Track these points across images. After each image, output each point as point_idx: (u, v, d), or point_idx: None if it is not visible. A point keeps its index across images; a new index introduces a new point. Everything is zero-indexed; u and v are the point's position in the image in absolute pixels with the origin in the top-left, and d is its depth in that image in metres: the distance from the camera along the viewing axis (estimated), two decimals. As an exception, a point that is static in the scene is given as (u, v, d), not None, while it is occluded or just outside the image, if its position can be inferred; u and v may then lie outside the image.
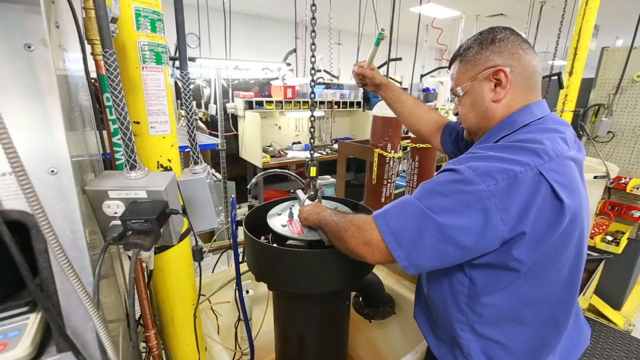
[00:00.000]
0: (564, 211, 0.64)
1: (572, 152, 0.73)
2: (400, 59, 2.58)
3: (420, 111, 1.24)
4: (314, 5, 1.10)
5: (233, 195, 1.39)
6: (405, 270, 0.71)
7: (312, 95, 1.25)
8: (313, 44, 1.14)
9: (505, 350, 0.75)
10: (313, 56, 1.16)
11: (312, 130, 1.28)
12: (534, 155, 0.65)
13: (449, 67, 0.88)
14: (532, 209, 0.63)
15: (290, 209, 1.25)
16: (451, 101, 0.88)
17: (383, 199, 1.97)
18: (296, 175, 1.56)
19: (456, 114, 0.89)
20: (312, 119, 1.25)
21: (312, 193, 1.27)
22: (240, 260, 1.25)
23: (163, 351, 1.06)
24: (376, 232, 0.72)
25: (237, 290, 1.28)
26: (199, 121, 3.81)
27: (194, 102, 3.94)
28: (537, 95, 0.79)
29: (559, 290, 0.74)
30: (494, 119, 0.79)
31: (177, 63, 0.99)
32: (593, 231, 2.56)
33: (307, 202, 1.23)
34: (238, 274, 1.25)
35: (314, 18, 1.11)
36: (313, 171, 1.26)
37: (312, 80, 1.21)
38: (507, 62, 0.76)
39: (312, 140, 1.32)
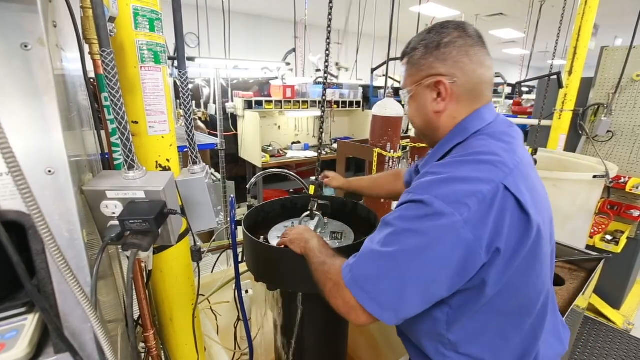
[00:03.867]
0: (531, 224, 0.63)
1: (525, 154, 0.73)
2: (399, 58, 2.58)
3: (380, 181, 1.36)
4: (330, 14, 1.09)
5: (232, 195, 1.39)
6: (394, 325, 0.68)
7: (322, 123, 1.23)
8: (327, 50, 1.13)
9: None
10: (327, 61, 1.15)
11: (319, 153, 1.30)
12: (494, 168, 0.64)
13: (400, 60, 0.85)
14: (504, 227, 0.61)
15: (292, 223, 1.26)
16: (400, 102, 0.87)
17: (382, 199, 1.97)
18: (295, 175, 1.56)
19: (406, 114, 0.88)
20: (320, 141, 1.25)
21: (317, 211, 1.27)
22: (240, 260, 1.25)
23: (162, 351, 1.06)
24: (354, 297, 0.66)
25: (236, 290, 1.28)
26: (198, 121, 3.81)
27: (193, 102, 3.94)
28: (484, 100, 0.77)
29: (534, 300, 0.73)
30: (439, 128, 0.78)
31: (176, 62, 0.99)
32: (592, 230, 2.56)
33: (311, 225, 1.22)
34: (237, 274, 1.25)
35: (329, 26, 1.10)
36: (311, 189, 1.26)
37: (324, 90, 1.17)
38: (449, 71, 0.72)
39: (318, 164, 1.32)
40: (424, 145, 1.99)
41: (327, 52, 1.15)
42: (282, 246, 0.99)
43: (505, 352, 0.74)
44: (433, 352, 0.77)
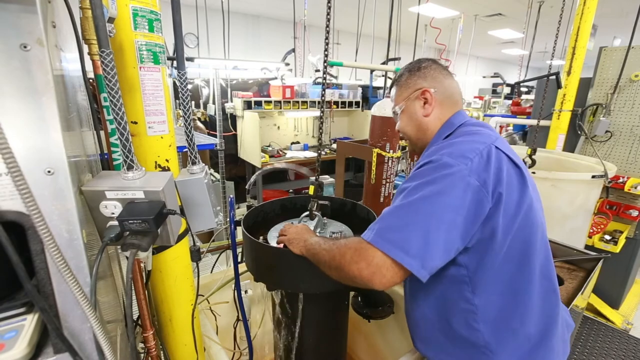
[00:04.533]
0: (525, 178, 0.79)
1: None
2: (399, 58, 2.58)
3: None
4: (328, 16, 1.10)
5: (232, 195, 1.39)
6: (420, 278, 0.69)
7: (321, 130, 1.26)
8: (326, 50, 1.14)
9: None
10: (326, 61, 1.16)
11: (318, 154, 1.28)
12: (485, 137, 0.81)
13: (389, 90, 1.07)
14: (502, 176, 0.74)
15: (292, 224, 1.26)
16: (394, 118, 1.04)
17: (382, 199, 1.97)
18: (297, 168, 1.55)
19: (399, 131, 1.03)
20: (320, 141, 1.24)
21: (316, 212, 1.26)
22: (239, 260, 1.25)
23: (161, 351, 1.06)
24: (379, 253, 0.69)
25: (235, 291, 1.28)
26: (197, 121, 3.80)
27: (192, 102, 3.93)
28: (459, 107, 0.98)
29: (537, 262, 0.81)
30: (428, 129, 0.95)
31: (175, 63, 0.99)
32: (591, 230, 2.56)
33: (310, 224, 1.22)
34: (237, 274, 1.25)
35: (327, 26, 1.11)
36: (311, 189, 1.26)
37: (322, 96, 1.18)
38: (431, 84, 0.94)
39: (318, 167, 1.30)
40: (423, 145, 1.98)
41: (326, 53, 1.16)
42: (282, 245, 1.00)
43: (531, 318, 0.79)
44: (464, 327, 0.80)
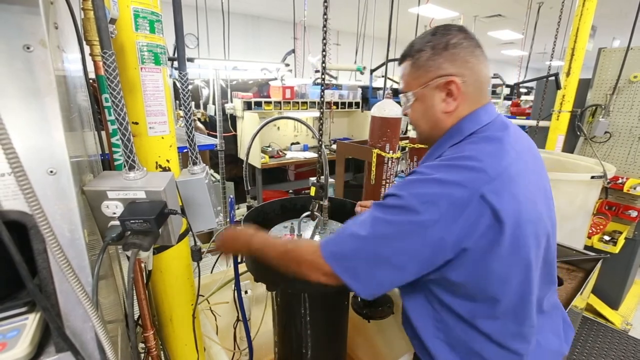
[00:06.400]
0: (504, 233, 0.64)
1: (520, 151, 0.73)
2: (399, 60, 2.58)
3: None
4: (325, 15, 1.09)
5: (232, 196, 1.40)
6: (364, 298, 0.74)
7: (321, 135, 1.25)
8: (324, 50, 1.13)
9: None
10: (324, 62, 1.16)
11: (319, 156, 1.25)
12: (474, 175, 0.65)
13: (400, 64, 0.83)
14: (475, 230, 0.63)
15: (292, 224, 1.26)
16: (399, 102, 0.86)
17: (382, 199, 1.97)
18: (304, 122, 1.53)
19: (405, 115, 0.86)
20: (321, 142, 1.23)
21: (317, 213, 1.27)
22: (239, 260, 1.25)
23: (162, 351, 1.06)
24: (330, 270, 0.72)
25: (235, 291, 1.28)
26: (197, 122, 3.81)
27: (193, 103, 3.94)
28: (485, 100, 0.78)
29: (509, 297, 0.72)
30: (445, 129, 0.79)
31: (175, 64, 0.99)
32: (590, 231, 2.57)
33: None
34: (237, 275, 1.25)
35: (325, 26, 1.11)
36: (312, 190, 1.26)
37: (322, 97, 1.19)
38: (459, 71, 0.73)
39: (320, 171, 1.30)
40: (422, 145, 1.99)
41: (324, 53, 1.16)
42: (219, 251, 1.00)
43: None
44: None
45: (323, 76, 1.20)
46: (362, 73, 3.83)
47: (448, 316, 0.76)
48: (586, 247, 2.27)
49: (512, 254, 0.67)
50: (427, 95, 0.77)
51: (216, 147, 3.00)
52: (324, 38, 1.13)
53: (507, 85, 6.26)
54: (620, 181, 2.49)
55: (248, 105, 3.98)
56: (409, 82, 0.80)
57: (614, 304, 2.71)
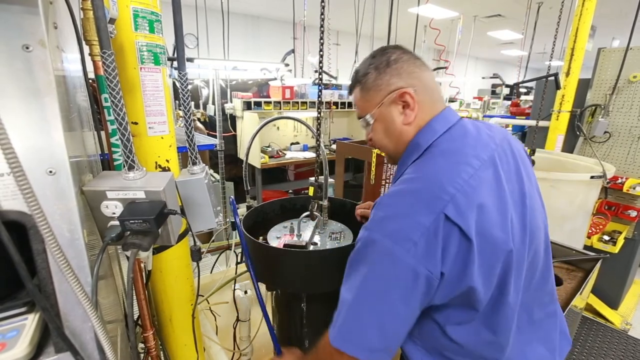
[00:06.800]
0: (473, 248, 0.63)
1: (484, 158, 0.70)
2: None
3: None
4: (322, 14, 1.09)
5: (232, 196, 1.39)
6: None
7: (319, 133, 1.23)
8: (321, 50, 1.13)
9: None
10: (321, 62, 1.15)
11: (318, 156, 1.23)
12: (433, 198, 0.63)
13: (350, 93, 0.86)
14: (448, 255, 0.62)
15: (291, 224, 1.26)
16: (363, 128, 0.85)
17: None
18: (304, 122, 1.53)
19: (370, 140, 0.85)
20: (318, 142, 1.21)
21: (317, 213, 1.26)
22: (239, 260, 1.25)
23: (161, 352, 1.06)
24: (346, 356, 0.67)
25: (254, 286, 1.21)
26: (197, 122, 3.81)
27: (192, 103, 3.94)
28: (441, 105, 0.78)
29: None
30: (409, 140, 0.77)
31: (175, 63, 0.99)
32: (590, 231, 2.57)
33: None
34: (251, 269, 1.18)
35: (322, 26, 1.11)
36: (311, 191, 1.26)
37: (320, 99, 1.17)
38: (408, 82, 0.75)
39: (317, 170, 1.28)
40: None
41: (321, 53, 1.16)
42: None
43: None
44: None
45: (320, 76, 1.20)
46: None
47: (425, 322, 0.75)
48: (586, 247, 2.28)
49: (482, 266, 0.65)
50: (384, 113, 0.78)
51: (216, 147, 3.00)
52: (321, 38, 1.13)
53: (507, 85, 6.27)
54: (619, 181, 2.49)
55: (248, 105, 3.98)
56: (364, 106, 0.81)
57: (614, 304, 2.71)
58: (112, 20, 0.73)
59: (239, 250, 1.24)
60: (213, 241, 1.58)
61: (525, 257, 0.72)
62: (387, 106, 0.77)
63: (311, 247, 1.00)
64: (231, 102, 4.23)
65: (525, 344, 0.78)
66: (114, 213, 0.63)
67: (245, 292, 1.56)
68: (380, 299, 0.65)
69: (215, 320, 1.53)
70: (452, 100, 6.11)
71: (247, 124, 3.98)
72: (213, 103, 3.76)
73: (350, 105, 4.78)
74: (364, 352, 0.66)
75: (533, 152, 2.29)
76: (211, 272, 1.75)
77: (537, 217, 0.77)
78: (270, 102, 4.06)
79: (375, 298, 0.65)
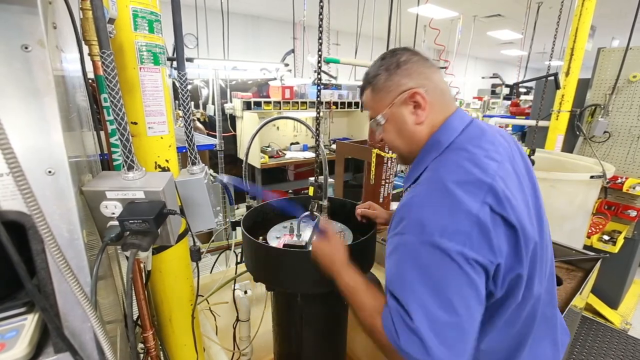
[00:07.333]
0: (518, 234, 0.64)
1: (502, 155, 0.72)
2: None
3: None
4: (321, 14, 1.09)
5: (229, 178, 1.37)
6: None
7: (317, 133, 1.23)
8: (320, 50, 1.13)
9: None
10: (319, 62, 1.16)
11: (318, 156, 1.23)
12: (474, 188, 0.63)
13: (361, 95, 0.86)
14: (501, 240, 0.63)
15: (291, 224, 1.26)
16: (372, 130, 0.85)
17: (381, 199, 1.98)
18: (303, 122, 1.53)
19: (380, 141, 0.86)
20: (317, 142, 1.21)
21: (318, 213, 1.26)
22: (238, 260, 1.25)
23: (161, 352, 1.06)
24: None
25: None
26: (196, 122, 3.81)
27: (192, 103, 3.93)
28: (453, 106, 0.79)
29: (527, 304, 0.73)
30: (423, 140, 0.78)
31: (174, 63, 0.99)
32: (590, 231, 2.57)
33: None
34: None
35: (320, 26, 1.10)
36: (311, 190, 1.25)
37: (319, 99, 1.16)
38: (418, 82, 0.76)
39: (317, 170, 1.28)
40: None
41: (320, 53, 1.16)
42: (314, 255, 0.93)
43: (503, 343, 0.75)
44: None
45: (319, 76, 1.20)
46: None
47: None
48: (585, 247, 2.28)
49: (526, 254, 0.66)
50: (396, 114, 0.78)
51: (215, 147, 3.00)
52: (320, 37, 1.13)
53: (507, 85, 6.27)
54: (619, 181, 2.50)
55: (247, 105, 3.98)
56: (375, 107, 0.82)
57: (614, 304, 2.72)
58: (112, 20, 0.73)
59: (238, 250, 1.24)
60: (213, 241, 1.57)
61: (544, 250, 0.75)
62: (398, 107, 0.78)
63: (311, 247, 1.00)
64: (231, 102, 4.23)
65: (541, 339, 0.79)
66: (113, 213, 0.63)
67: (245, 292, 1.56)
68: (465, 309, 0.61)
69: (215, 320, 1.53)
70: (452, 100, 6.10)
71: (247, 124, 3.98)
72: (213, 103, 3.76)
73: (350, 105, 4.78)
74: (452, 355, 0.61)
75: (533, 152, 2.29)
76: (211, 272, 1.75)
77: (541, 219, 0.79)
78: (270, 102, 4.06)
79: (461, 307, 0.61)
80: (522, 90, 7.08)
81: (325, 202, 1.27)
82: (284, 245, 1.10)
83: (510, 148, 0.78)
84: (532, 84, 6.22)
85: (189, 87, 0.90)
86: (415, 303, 0.62)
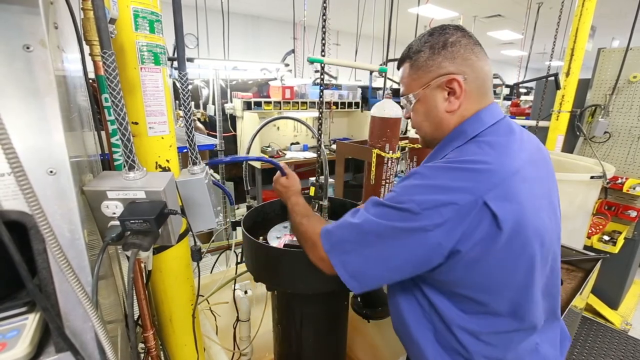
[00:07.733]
0: (500, 239, 0.63)
1: (525, 159, 0.70)
2: (397, 63, 2.58)
3: None
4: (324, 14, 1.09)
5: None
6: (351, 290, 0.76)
7: (320, 134, 1.26)
8: (323, 50, 1.13)
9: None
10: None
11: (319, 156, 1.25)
12: (479, 178, 0.63)
13: (398, 68, 0.83)
14: (473, 236, 0.63)
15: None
16: (402, 106, 0.84)
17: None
18: (304, 122, 1.53)
19: (407, 118, 0.85)
20: (320, 142, 1.23)
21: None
22: (239, 260, 1.25)
23: (162, 352, 1.06)
24: (326, 257, 0.75)
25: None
26: (197, 122, 3.81)
27: (192, 103, 3.94)
28: (488, 99, 0.77)
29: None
30: (449, 129, 0.76)
31: (175, 64, 0.99)
32: (590, 231, 2.57)
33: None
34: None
35: (324, 26, 1.10)
36: (312, 190, 1.26)
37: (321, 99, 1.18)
38: (460, 69, 0.72)
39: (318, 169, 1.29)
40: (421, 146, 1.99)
41: (323, 53, 1.16)
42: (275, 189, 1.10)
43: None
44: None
45: (322, 76, 1.20)
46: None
47: (435, 314, 0.76)
48: (586, 247, 2.28)
49: (507, 260, 0.66)
50: (428, 96, 0.76)
51: (216, 147, 3.00)
52: (323, 39, 1.13)
53: (507, 86, 6.27)
54: (619, 181, 2.50)
55: (248, 105, 3.98)
56: (409, 84, 0.79)
57: (614, 304, 2.71)
58: (113, 21, 0.73)
59: (239, 250, 1.24)
60: (213, 241, 1.57)
61: (551, 260, 0.77)
62: (433, 89, 0.75)
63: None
64: (231, 102, 4.23)
65: (540, 343, 0.79)
66: (114, 213, 0.63)
67: (245, 292, 1.56)
68: (380, 242, 0.69)
69: (215, 320, 1.53)
70: (452, 100, 6.10)
71: (247, 124, 3.98)
72: (213, 103, 3.76)
73: (350, 105, 4.78)
74: (342, 270, 0.73)
75: (533, 152, 2.29)
76: (211, 272, 1.75)
77: (559, 224, 0.83)
78: (270, 102, 4.06)
79: (376, 239, 0.69)
80: (523, 90, 7.08)
81: (325, 202, 1.27)
82: (285, 245, 1.11)
83: (537, 151, 0.78)
84: (532, 84, 6.22)
85: (190, 87, 0.90)
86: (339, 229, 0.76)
